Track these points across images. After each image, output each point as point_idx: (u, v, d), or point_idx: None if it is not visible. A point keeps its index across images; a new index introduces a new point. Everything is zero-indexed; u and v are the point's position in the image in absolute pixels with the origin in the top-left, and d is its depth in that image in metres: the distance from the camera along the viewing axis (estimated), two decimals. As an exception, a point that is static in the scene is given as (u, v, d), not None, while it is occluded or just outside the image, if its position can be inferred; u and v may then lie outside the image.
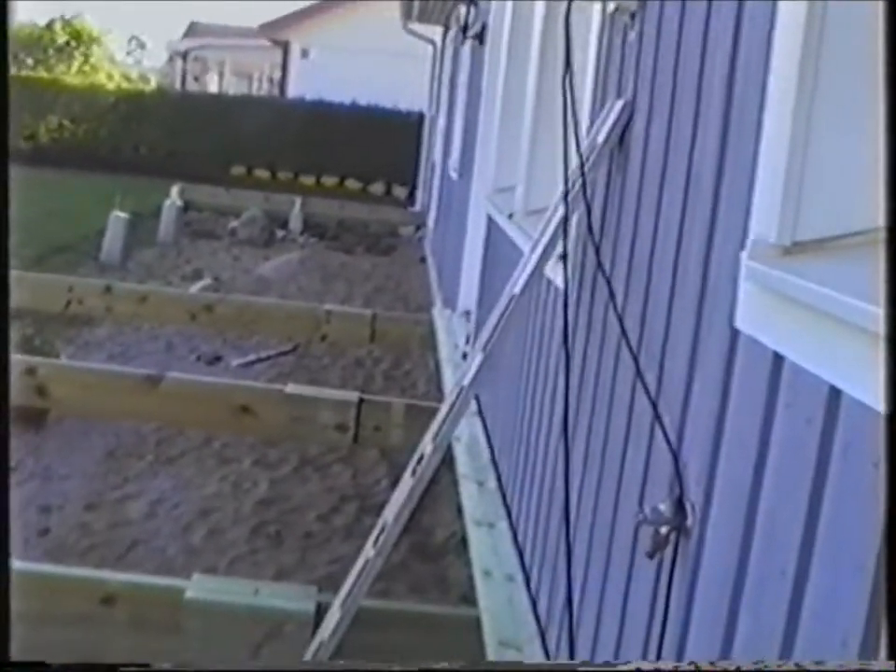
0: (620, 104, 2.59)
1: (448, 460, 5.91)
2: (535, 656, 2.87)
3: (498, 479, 4.17)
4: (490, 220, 5.83)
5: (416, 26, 15.05)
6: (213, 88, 27.53)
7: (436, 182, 13.21)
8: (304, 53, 22.60)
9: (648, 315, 2.24)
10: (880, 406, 1.25)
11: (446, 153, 11.40)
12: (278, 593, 3.14)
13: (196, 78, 27.04)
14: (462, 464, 4.50)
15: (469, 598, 4.23)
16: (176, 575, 4.39)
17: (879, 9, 1.33)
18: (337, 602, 2.85)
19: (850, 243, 1.57)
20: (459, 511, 5.38)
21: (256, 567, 4.53)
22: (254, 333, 8.23)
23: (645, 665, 1.15)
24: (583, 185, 2.54)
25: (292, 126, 18.94)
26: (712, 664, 1.16)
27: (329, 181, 19.44)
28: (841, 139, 1.55)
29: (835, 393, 1.37)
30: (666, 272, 2.13)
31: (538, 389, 3.46)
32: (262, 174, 19.47)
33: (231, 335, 8.41)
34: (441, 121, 13.43)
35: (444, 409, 2.79)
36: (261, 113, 19.14)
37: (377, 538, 2.82)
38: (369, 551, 2.82)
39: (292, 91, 22.35)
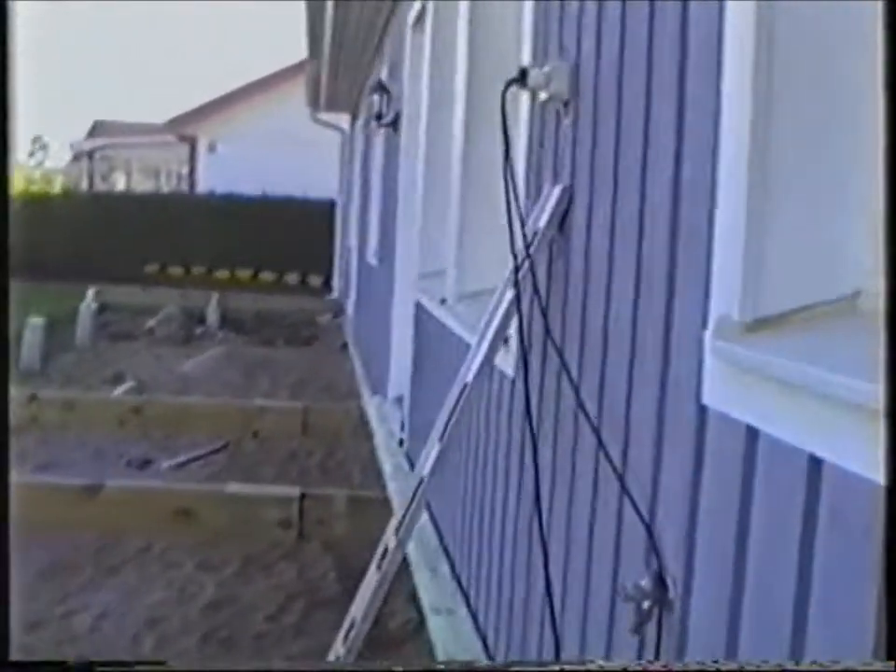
0: (558, 189, 2.65)
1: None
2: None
3: (451, 565, 4.16)
4: (418, 306, 5.88)
5: (324, 115, 15.21)
6: (120, 186, 27.44)
7: (353, 268, 13.28)
8: (211, 147, 22.70)
9: (606, 396, 2.28)
10: (865, 472, 1.30)
11: (363, 239, 11.47)
12: None
13: (103, 178, 26.92)
14: (411, 551, 4.47)
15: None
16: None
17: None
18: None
19: (809, 315, 1.63)
20: (412, 597, 5.35)
21: (209, 674, 4.44)
22: (182, 433, 8.15)
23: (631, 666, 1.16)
24: (531, 268, 2.59)
25: (203, 221, 18.96)
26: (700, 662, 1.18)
27: (244, 274, 19.43)
28: (796, 212, 1.61)
29: (815, 462, 1.41)
30: (622, 353, 2.17)
31: (491, 472, 3.48)
32: (176, 270, 19.41)
33: (159, 437, 8.31)
34: (355, 208, 13.54)
35: (405, 501, 2.78)
36: (172, 209, 19.15)
37: (346, 635, 2.79)
38: (339, 649, 2.79)
39: (201, 185, 22.41)
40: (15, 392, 8.15)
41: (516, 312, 2.60)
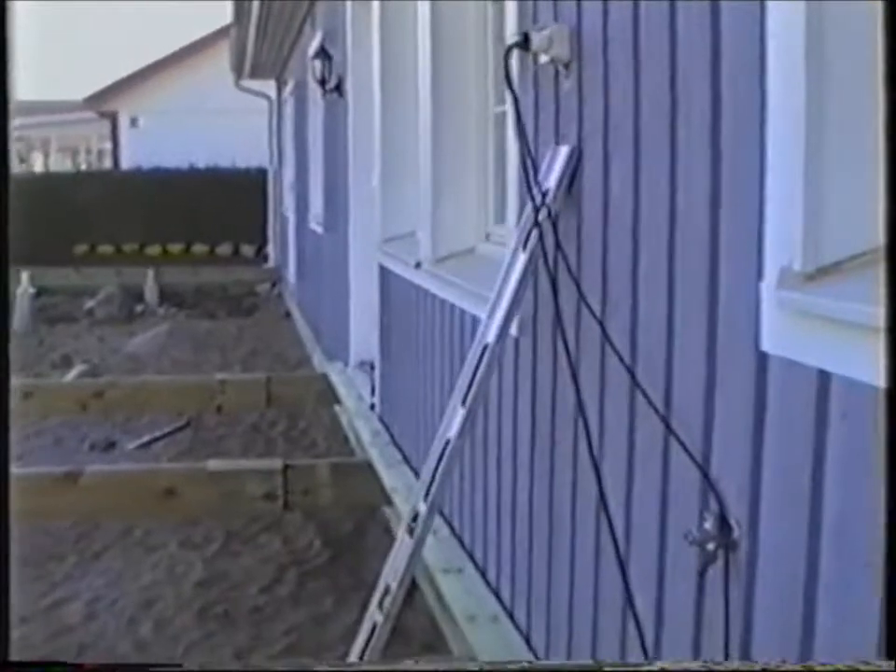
0: (565, 149, 2.68)
1: (374, 511, 5.93)
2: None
3: (450, 526, 4.21)
4: (384, 270, 5.89)
5: (249, 82, 15.04)
6: (38, 167, 26.90)
7: (291, 237, 13.20)
8: (133, 122, 22.34)
9: (640, 345, 2.33)
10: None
11: (302, 207, 11.41)
12: None
13: (21, 159, 26.37)
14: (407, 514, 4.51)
15: (434, 646, 4.27)
16: None
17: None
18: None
19: (861, 262, 1.69)
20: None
21: (213, 651, 4.46)
22: (143, 413, 8.10)
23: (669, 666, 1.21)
24: (543, 230, 2.63)
25: (131, 197, 18.70)
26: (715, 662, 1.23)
27: (176, 248, 19.23)
28: (848, 161, 1.66)
29: (898, 401, 1.47)
30: (657, 308, 2.22)
31: (501, 426, 3.52)
32: (106, 249, 19.14)
33: (119, 419, 8.25)
34: (289, 175, 13.44)
35: (430, 465, 2.82)
36: (98, 187, 18.82)
37: (381, 601, 2.83)
38: (375, 615, 2.83)
39: (125, 161, 22.05)
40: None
41: (535, 272, 2.64)
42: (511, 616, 3.40)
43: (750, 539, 1.89)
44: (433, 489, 2.79)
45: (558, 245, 2.63)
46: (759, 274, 1.81)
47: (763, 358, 1.83)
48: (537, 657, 3.12)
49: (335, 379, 7.35)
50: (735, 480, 1.93)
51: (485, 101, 4.35)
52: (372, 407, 6.30)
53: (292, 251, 13.15)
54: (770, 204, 1.76)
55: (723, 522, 1.94)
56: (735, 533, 1.92)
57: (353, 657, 2.84)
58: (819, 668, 1.17)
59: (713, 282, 1.99)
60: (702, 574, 1.98)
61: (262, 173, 17.59)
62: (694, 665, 1.20)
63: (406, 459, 5.25)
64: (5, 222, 1.55)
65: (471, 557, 3.93)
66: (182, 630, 4.66)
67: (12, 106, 1.55)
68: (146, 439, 7.74)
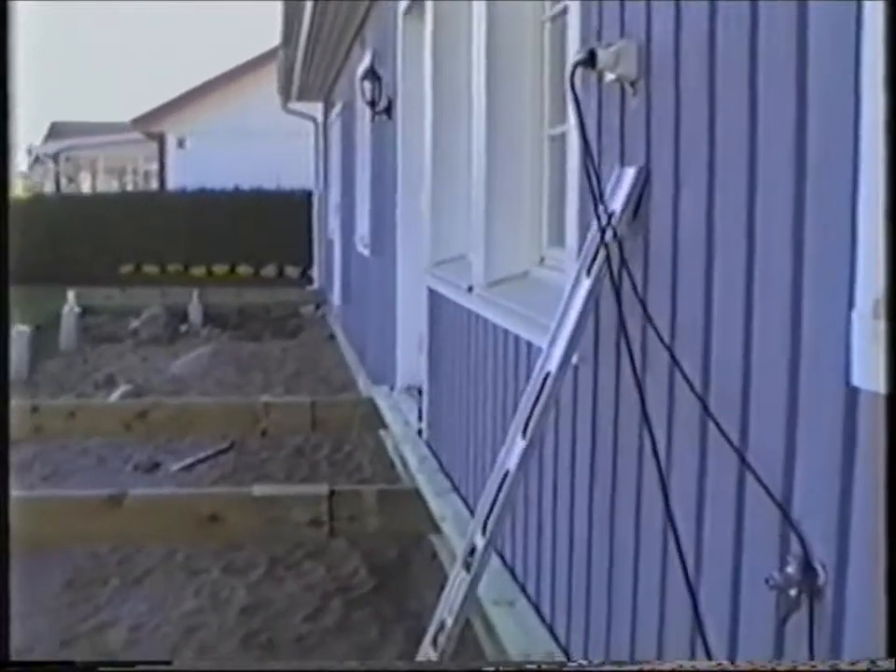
0: (631, 171, 2.58)
1: (420, 539, 5.83)
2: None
3: (500, 557, 4.10)
4: (433, 293, 5.81)
5: (296, 104, 15.07)
6: (86, 187, 27.12)
7: (336, 259, 13.17)
8: (180, 143, 22.47)
9: (714, 381, 2.22)
10: None
11: (348, 229, 11.37)
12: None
13: (70, 179, 26.60)
14: (457, 544, 4.41)
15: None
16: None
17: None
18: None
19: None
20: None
21: (256, 680, 4.38)
22: (187, 435, 8.05)
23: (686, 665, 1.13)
24: (609, 253, 2.53)
25: (177, 218, 18.79)
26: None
27: (220, 269, 19.29)
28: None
29: None
30: (733, 336, 2.12)
31: (558, 457, 3.42)
32: (151, 269, 19.23)
33: (162, 440, 8.21)
34: (335, 198, 13.42)
35: (489, 496, 2.72)
36: (143, 208, 18.94)
37: (435, 638, 2.73)
38: (429, 652, 2.73)
39: (172, 182, 22.18)
40: (14, 403, 8.03)
41: (598, 297, 2.53)
42: (565, 653, 3.29)
43: (838, 585, 1.77)
44: (490, 522, 2.69)
45: (625, 268, 2.53)
46: (850, 304, 1.70)
47: (853, 393, 1.71)
48: (594, 698, 3.00)
49: (381, 403, 7.26)
50: (821, 521, 1.81)
51: (540, 122, 4.27)
52: (420, 432, 6.21)
53: (337, 273, 13.12)
54: (863, 230, 1.65)
55: (807, 565, 1.83)
56: (821, 578, 1.81)
57: (405, 696, 2.74)
58: (817, 668, 1.12)
59: (796, 311, 1.88)
60: (784, 622, 1.86)
61: (307, 195, 17.60)
62: (703, 665, 1.14)
63: (455, 487, 5.15)
64: (5, 231, 1.48)
65: (524, 590, 3.82)
66: (226, 659, 4.58)
67: (13, 105, 1.47)
68: (189, 461, 7.69)
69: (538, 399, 2.65)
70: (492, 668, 1.92)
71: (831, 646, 1.79)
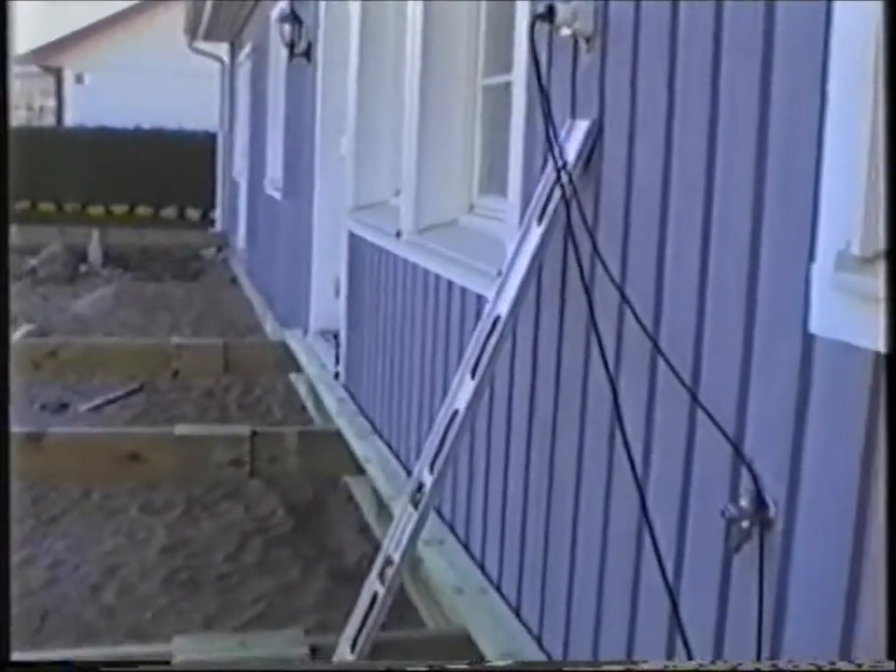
0: (584, 124, 2.67)
1: (340, 485, 5.91)
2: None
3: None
4: (354, 238, 5.84)
5: (201, 44, 14.80)
6: (-24, 122, 26.17)
7: (242, 202, 13.05)
8: (79, 79, 21.88)
9: (665, 318, 2.33)
10: None
11: (256, 173, 11.28)
12: (266, 641, 3.10)
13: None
14: (383, 486, 4.51)
15: (408, 619, 4.26)
16: (102, 641, 4.26)
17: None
18: (345, 642, 2.84)
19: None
20: (362, 532, 5.40)
21: (181, 617, 4.42)
22: (95, 375, 7.97)
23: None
24: (565, 196, 2.62)
25: (75, 156, 18.32)
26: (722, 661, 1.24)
27: (119, 209, 18.93)
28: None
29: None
30: (688, 282, 2.22)
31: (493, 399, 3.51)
32: (48, 207, 18.75)
33: (70, 380, 8.12)
34: (242, 140, 13.28)
35: (437, 435, 2.80)
36: (40, 144, 18.39)
37: (382, 572, 2.82)
38: (376, 586, 2.81)
39: (69, 119, 21.61)
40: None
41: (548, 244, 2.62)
42: (498, 589, 3.41)
43: (788, 519, 1.90)
44: (439, 460, 2.77)
45: (578, 214, 2.61)
46: (810, 256, 1.81)
47: (809, 340, 1.83)
48: (528, 629, 3.14)
49: (295, 346, 7.29)
50: (774, 459, 1.94)
51: (475, 73, 4.32)
52: (336, 376, 6.26)
53: (242, 216, 13.00)
54: (828, 185, 1.76)
55: (759, 500, 1.95)
56: (772, 512, 1.93)
57: (352, 628, 2.82)
58: (817, 668, 1.18)
59: (754, 261, 1.99)
60: (736, 551, 1.99)
61: (211, 137, 17.34)
62: (689, 665, 1.21)
63: (376, 430, 5.23)
64: (5, 225, 1.50)
65: (452, 530, 3.93)
66: (147, 597, 4.61)
67: (10, 103, 1.50)
68: (98, 401, 7.63)
69: (487, 341, 2.74)
70: (493, 669, 2.00)
71: (779, 575, 1.92)
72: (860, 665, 1.21)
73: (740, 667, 1.34)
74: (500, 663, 2.23)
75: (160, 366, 7.44)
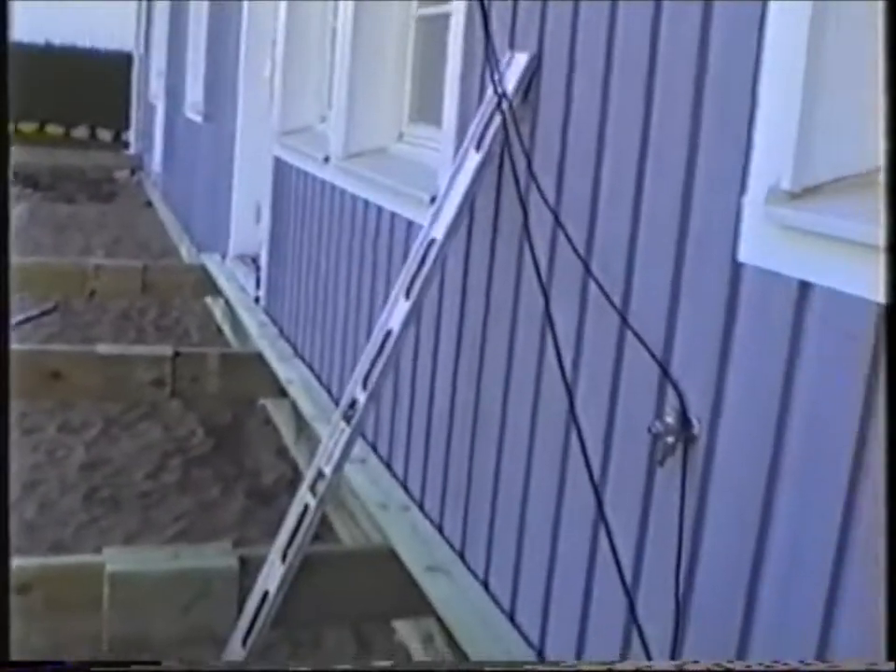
0: (523, 57, 2.74)
1: (259, 407, 5.97)
2: (464, 575, 3.08)
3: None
4: (280, 163, 5.86)
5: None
6: None
7: (158, 125, 12.86)
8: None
9: (597, 246, 2.44)
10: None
11: (175, 95, 11.12)
12: (198, 553, 3.18)
13: None
14: (305, 406, 4.59)
15: (324, 536, 4.37)
16: (25, 554, 4.30)
17: None
18: (275, 553, 2.93)
19: (842, 186, 1.82)
20: (280, 453, 5.48)
21: (103, 534, 4.47)
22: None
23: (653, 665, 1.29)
24: (504, 123, 2.69)
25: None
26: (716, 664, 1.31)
27: (28, 127, 18.50)
28: (844, 85, 1.77)
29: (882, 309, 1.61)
30: (620, 211, 2.33)
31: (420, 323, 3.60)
32: (-49, 123, 18.24)
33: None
34: (159, 62, 13.06)
35: (370, 354, 2.89)
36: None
37: (313, 485, 2.91)
38: (307, 498, 2.90)
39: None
40: None
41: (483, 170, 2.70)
42: (421, 507, 3.53)
43: (710, 436, 2.03)
44: (372, 378, 2.86)
45: (518, 142, 2.69)
46: (742, 189, 1.92)
47: (738, 268, 1.95)
48: (451, 545, 3.26)
49: (213, 270, 7.29)
50: (699, 380, 2.06)
51: (409, 1, 4.36)
52: (257, 300, 6.30)
53: (158, 139, 12.82)
54: (761, 122, 1.87)
55: (684, 417, 2.08)
56: (696, 429, 2.06)
57: (282, 538, 2.91)
58: (816, 668, 1.24)
59: (687, 192, 2.10)
60: (660, 464, 2.12)
61: (126, 57, 16.99)
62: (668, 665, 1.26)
63: (298, 353, 5.30)
64: (5, 221, 1.53)
65: (375, 449, 4.03)
66: (69, 513, 4.65)
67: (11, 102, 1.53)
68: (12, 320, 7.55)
69: (422, 263, 2.82)
70: (493, 668, 2.08)
71: (700, 487, 2.06)
72: (858, 665, 1.25)
73: (731, 666, 1.37)
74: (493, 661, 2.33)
75: (76, 286, 7.37)
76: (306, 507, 2.90)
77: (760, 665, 1.23)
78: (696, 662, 1.24)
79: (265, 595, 2.90)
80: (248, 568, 3.07)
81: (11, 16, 1.54)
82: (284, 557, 2.91)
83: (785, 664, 1.20)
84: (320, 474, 2.90)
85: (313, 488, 2.90)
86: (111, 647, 3.01)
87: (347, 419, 2.89)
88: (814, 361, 1.77)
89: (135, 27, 16.01)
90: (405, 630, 3.63)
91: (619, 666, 1.28)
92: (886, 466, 1.19)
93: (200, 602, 3.04)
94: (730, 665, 1.30)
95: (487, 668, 2.10)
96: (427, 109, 4.16)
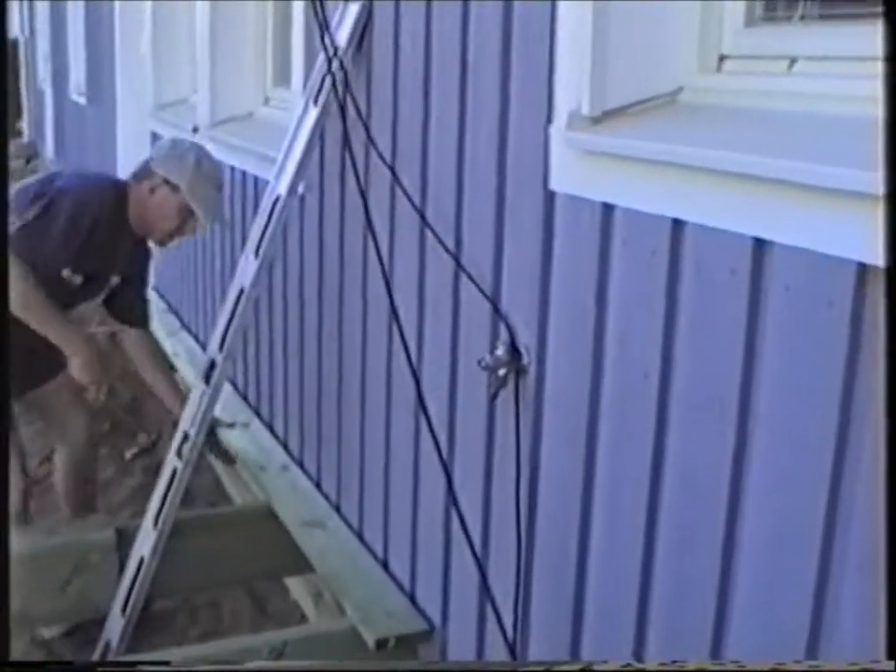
0: (355, 7, 2.75)
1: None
2: (340, 528, 3.11)
3: (233, 384, 4.30)
4: (157, 138, 5.80)
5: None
6: None
7: (48, 110, 12.62)
8: None
9: (430, 194, 2.47)
10: (726, 226, 1.56)
11: (61, 79, 10.93)
12: (75, 529, 3.18)
13: None
14: (190, 378, 4.57)
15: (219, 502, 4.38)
16: None
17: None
18: (148, 519, 2.94)
19: (642, 108, 1.86)
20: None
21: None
22: None
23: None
24: (335, 81, 2.70)
25: None
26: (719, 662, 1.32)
27: (-83, 122, 18.03)
28: (633, 15, 1.82)
29: (678, 225, 1.66)
30: (447, 156, 2.36)
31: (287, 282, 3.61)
32: None
33: None
34: (44, 46, 12.81)
35: (225, 314, 2.89)
36: None
37: (179, 449, 2.91)
38: (174, 462, 2.91)
39: None
40: None
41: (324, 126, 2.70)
42: (301, 465, 3.55)
43: (539, 364, 2.08)
44: (228, 338, 2.87)
45: (349, 96, 2.71)
46: (549, 118, 1.96)
47: (550, 197, 1.99)
48: (328, 500, 3.29)
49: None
50: (524, 311, 2.10)
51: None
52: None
53: (49, 125, 12.60)
54: (561, 52, 1.91)
55: (514, 349, 2.12)
56: (525, 359, 2.10)
57: (155, 501, 2.92)
58: (815, 668, 1.25)
59: (503, 126, 2.13)
60: (494, 397, 2.16)
61: (12, 43, 16.59)
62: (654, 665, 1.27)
63: (185, 325, 5.29)
64: (4, 225, 1.51)
65: (258, 413, 4.05)
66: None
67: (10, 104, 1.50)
68: None
69: (269, 221, 2.83)
70: (492, 668, 2.10)
71: (534, 416, 2.10)
72: (857, 665, 1.24)
73: (725, 665, 1.36)
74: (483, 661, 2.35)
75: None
76: (174, 471, 2.91)
77: (758, 664, 1.24)
78: (685, 662, 1.27)
79: (141, 560, 2.91)
80: (124, 539, 3.07)
81: (11, 16, 1.50)
82: (156, 523, 2.92)
83: (785, 664, 1.22)
84: (185, 437, 2.91)
85: (179, 452, 2.91)
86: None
87: (207, 380, 2.89)
88: (621, 280, 1.82)
89: (17, 11, 15.65)
90: (296, 588, 3.66)
91: (619, 666, 1.29)
92: (886, 462, 1.21)
93: (81, 574, 3.03)
94: (724, 665, 1.31)
95: (487, 668, 2.13)
96: (289, 72, 4.15)
